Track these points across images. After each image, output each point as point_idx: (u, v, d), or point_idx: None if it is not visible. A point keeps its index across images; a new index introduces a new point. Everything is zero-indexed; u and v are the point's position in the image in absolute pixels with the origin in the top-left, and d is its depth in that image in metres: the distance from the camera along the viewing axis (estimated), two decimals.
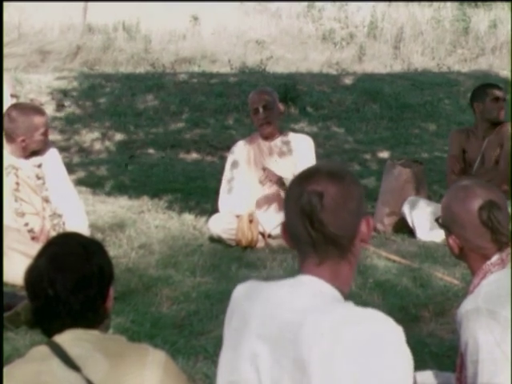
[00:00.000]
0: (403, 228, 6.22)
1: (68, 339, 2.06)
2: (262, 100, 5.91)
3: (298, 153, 5.97)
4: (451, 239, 2.59)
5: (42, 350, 2.06)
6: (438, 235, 5.70)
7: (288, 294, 1.88)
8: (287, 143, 6.02)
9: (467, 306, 2.41)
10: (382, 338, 1.76)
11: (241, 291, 2.01)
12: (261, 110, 5.90)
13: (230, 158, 6.14)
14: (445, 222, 2.62)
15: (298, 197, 1.90)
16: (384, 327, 1.78)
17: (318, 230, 1.86)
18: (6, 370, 2.05)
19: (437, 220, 2.68)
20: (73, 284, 2.08)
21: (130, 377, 2.01)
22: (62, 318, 2.08)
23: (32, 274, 2.11)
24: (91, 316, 2.11)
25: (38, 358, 2.04)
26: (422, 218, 6.06)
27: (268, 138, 6.02)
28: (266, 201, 5.92)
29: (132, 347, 2.11)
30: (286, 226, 1.96)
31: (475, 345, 2.35)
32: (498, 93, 6.15)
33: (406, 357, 1.78)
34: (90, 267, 2.12)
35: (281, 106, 6.07)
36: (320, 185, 1.89)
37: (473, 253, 2.56)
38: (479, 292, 2.45)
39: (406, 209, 6.17)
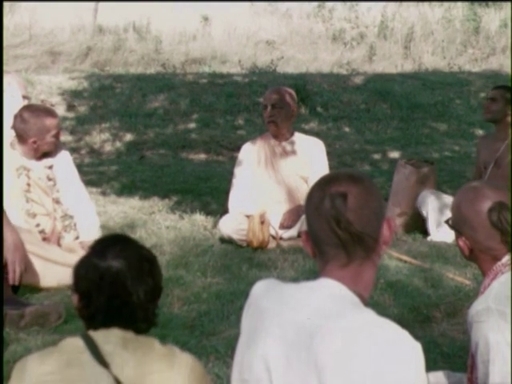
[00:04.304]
0: (414, 228, 6.21)
1: (102, 335, 2.08)
2: (271, 98, 5.90)
3: (311, 158, 5.94)
4: (461, 241, 2.58)
5: (76, 342, 2.08)
6: (449, 232, 5.68)
7: (306, 297, 1.88)
8: (296, 145, 5.99)
9: (478, 306, 2.41)
10: (394, 345, 1.76)
11: (260, 289, 2.01)
12: (269, 107, 5.89)
13: (239, 159, 6.12)
14: (455, 223, 2.61)
15: (320, 201, 1.91)
16: (398, 336, 1.78)
17: (344, 229, 1.87)
18: (37, 355, 2.08)
19: (447, 221, 2.67)
20: (152, 292, 2.12)
21: (156, 376, 2.04)
22: (134, 321, 2.11)
23: (108, 274, 2.08)
24: (147, 324, 2.15)
25: (71, 350, 2.06)
26: (434, 210, 6.04)
27: (276, 137, 6.00)
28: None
29: (161, 348, 2.12)
30: (309, 233, 1.96)
31: (486, 345, 2.35)
32: (490, 93, 6.24)
33: (417, 366, 1.77)
34: (158, 276, 2.15)
35: (295, 108, 6.03)
36: (342, 186, 1.90)
37: (483, 254, 2.55)
38: (490, 293, 2.45)
39: (420, 202, 6.15)
